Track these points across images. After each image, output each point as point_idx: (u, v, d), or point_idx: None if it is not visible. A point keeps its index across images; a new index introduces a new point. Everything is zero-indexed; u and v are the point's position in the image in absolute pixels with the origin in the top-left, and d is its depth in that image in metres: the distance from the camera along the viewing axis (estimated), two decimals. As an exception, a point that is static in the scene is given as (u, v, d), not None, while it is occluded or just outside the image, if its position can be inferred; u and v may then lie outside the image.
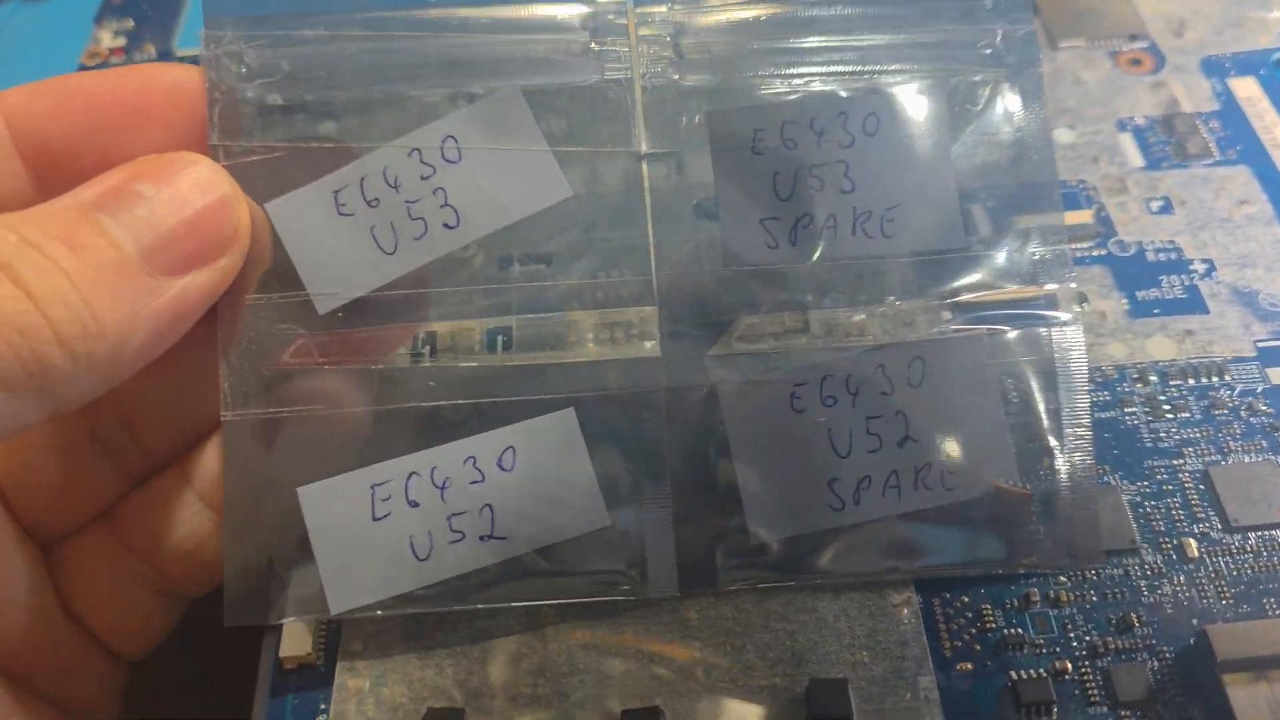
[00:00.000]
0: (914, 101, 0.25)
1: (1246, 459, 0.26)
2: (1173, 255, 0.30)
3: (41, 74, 0.39)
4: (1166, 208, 0.31)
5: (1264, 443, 0.26)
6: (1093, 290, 0.30)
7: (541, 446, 0.23)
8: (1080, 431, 0.25)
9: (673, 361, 0.25)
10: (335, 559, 0.23)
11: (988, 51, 0.26)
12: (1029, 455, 0.25)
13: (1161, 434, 0.27)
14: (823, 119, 0.25)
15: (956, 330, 0.25)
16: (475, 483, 0.23)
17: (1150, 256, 0.30)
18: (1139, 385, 0.28)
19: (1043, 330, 0.25)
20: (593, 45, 0.25)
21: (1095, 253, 0.30)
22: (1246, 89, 0.34)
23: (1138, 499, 0.26)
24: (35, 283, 0.19)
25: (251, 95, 0.24)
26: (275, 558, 0.23)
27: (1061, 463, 0.25)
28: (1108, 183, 0.32)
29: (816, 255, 0.25)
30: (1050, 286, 0.25)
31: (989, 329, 0.25)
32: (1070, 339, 0.25)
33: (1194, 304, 0.29)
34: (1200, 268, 0.30)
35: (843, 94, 0.25)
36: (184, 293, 0.21)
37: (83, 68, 0.39)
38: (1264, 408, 0.27)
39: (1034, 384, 0.25)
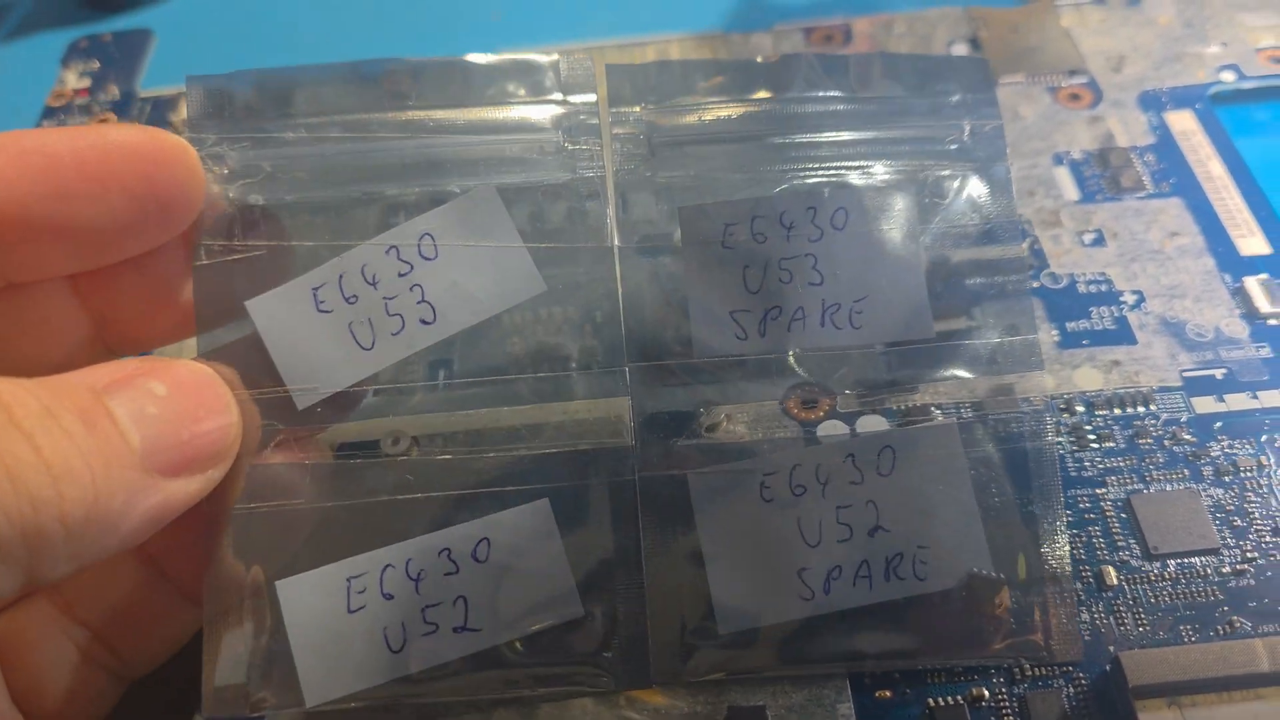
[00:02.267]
0: (882, 196, 0.25)
1: (1168, 487, 0.27)
2: (1103, 287, 0.31)
3: (7, 115, 0.39)
4: (1099, 240, 0.32)
5: (1185, 471, 0.27)
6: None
7: (516, 537, 0.23)
8: (1053, 520, 0.24)
9: (645, 451, 0.25)
10: (311, 651, 0.23)
11: (955, 146, 0.26)
12: (1002, 544, 0.24)
13: (1086, 463, 0.27)
14: (792, 213, 0.25)
15: (925, 419, 0.26)
16: (449, 574, 0.23)
17: (1081, 288, 0.31)
18: (1065, 415, 0.28)
19: (1012, 418, 0.25)
20: (566, 144, 0.26)
21: (1029, 285, 0.31)
22: (1182, 122, 0.35)
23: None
24: (54, 456, 0.17)
25: (233, 195, 0.24)
26: (254, 650, 0.23)
27: (1035, 552, 0.24)
28: (1042, 215, 0.32)
29: (786, 345, 0.25)
30: (1019, 375, 0.25)
31: (958, 418, 0.25)
32: (1040, 426, 0.25)
33: (1123, 335, 0.30)
34: (1130, 299, 0.30)
35: (812, 189, 0.26)
36: (171, 496, 0.20)
37: (48, 109, 0.40)
38: (1187, 437, 0.27)
39: (1005, 472, 0.25)
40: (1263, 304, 0.30)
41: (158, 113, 0.39)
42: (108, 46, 0.43)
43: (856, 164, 0.26)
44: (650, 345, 0.25)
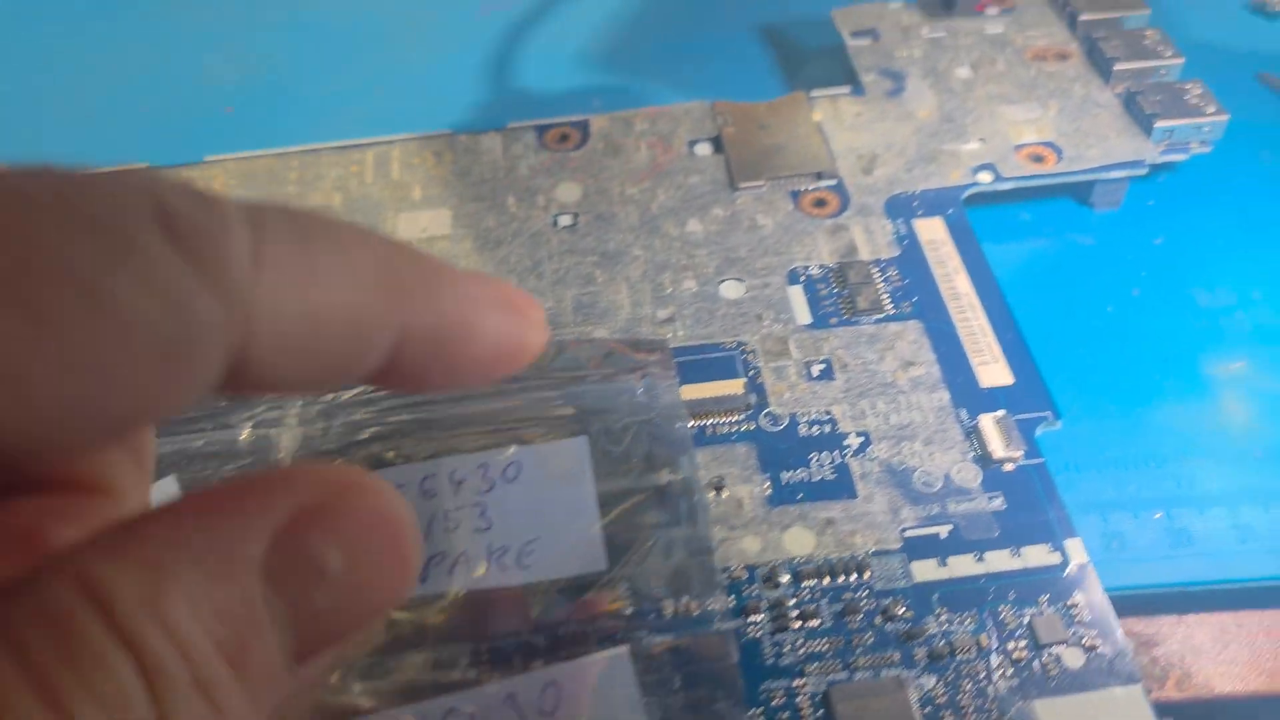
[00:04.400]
0: (555, 449, 0.26)
1: (874, 675, 0.23)
2: (827, 428, 0.27)
3: None
4: (827, 372, 0.28)
5: (896, 655, 0.23)
6: (734, 474, 0.27)
7: None
8: None
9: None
10: None
11: (630, 399, 0.27)
12: None
13: (785, 647, 0.24)
14: (462, 471, 0.26)
15: (596, 652, 0.23)
16: None
17: (803, 430, 0.27)
18: (768, 589, 0.24)
19: (692, 642, 0.23)
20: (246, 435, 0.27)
21: (745, 427, 0.27)
22: (931, 231, 0.32)
23: (747, 732, 0.22)
24: None
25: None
26: None
27: None
28: (768, 345, 0.29)
29: (447, 588, 0.24)
30: (698, 602, 0.24)
31: (629, 647, 0.23)
32: (725, 648, 0.23)
33: (842, 486, 0.26)
34: (855, 442, 0.27)
35: (484, 450, 0.26)
36: (305, 677, 0.14)
37: None
38: (901, 611, 0.24)
39: (685, 691, 0.23)
40: (997, 447, 0.26)
41: None
42: None
43: (529, 422, 0.26)
44: None
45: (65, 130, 0.40)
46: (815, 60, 0.40)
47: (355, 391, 0.28)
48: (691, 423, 0.27)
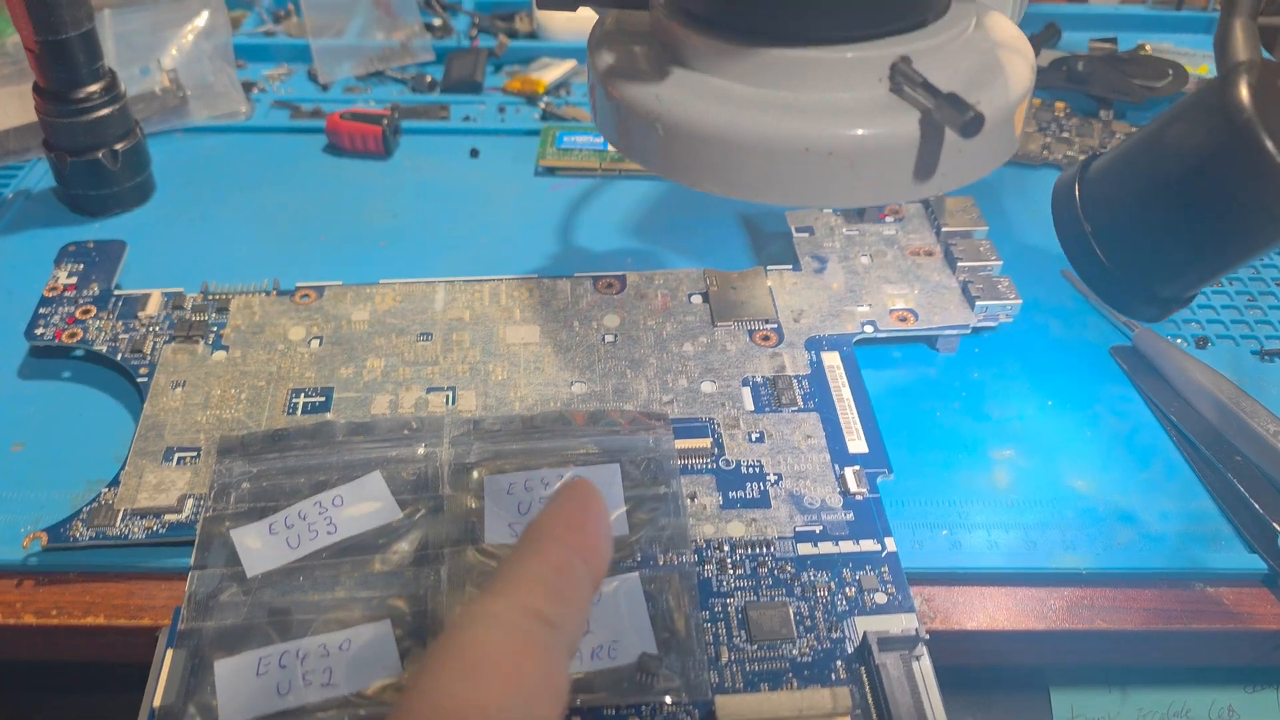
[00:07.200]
0: (600, 470, 0.47)
1: (770, 599, 0.43)
2: (757, 469, 0.48)
3: (7, 300, 0.54)
4: (761, 438, 0.49)
5: (782, 590, 0.43)
6: (701, 490, 0.47)
7: None
8: (695, 632, 0.42)
9: None
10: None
11: (644, 445, 0.46)
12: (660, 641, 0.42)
13: (723, 583, 0.44)
14: (548, 478, 0.43)
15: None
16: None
17: (743, 470, 0.48)
18: (716, 552, 0.44)
19: (666, 576, 0.44)
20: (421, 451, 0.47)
21: (709, 466, 0.48)
22: (831, 360, 0.52)
23: None
24: None
25: (240, 480, 0.49)
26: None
27: (678, 643, 0.42)
28: (727, 421, 0.49)
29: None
30: (676, 554, 0.44)
31: (639, 574, 0.43)
32: (691, 578, 0.43)
33: (763, 502, 0.46)
34: (772, 477, 0.47)
35: (555, 467, 0.44)
36: None
37: (44, 298, 0.55)
38: (789, 569, 0.44)
39: (665, 593, 0.43)
40: (852, 485, 0.47)
41: (128, 307, 0.55)
42: (91, 252, 0.59)
43: (585, 454, 0.47)
44: None
45: (271, 252, 0.60)
46: (773, 241, 0.61)
47: (484, 428, 0.48)
48: (678, 461, 0.47)
